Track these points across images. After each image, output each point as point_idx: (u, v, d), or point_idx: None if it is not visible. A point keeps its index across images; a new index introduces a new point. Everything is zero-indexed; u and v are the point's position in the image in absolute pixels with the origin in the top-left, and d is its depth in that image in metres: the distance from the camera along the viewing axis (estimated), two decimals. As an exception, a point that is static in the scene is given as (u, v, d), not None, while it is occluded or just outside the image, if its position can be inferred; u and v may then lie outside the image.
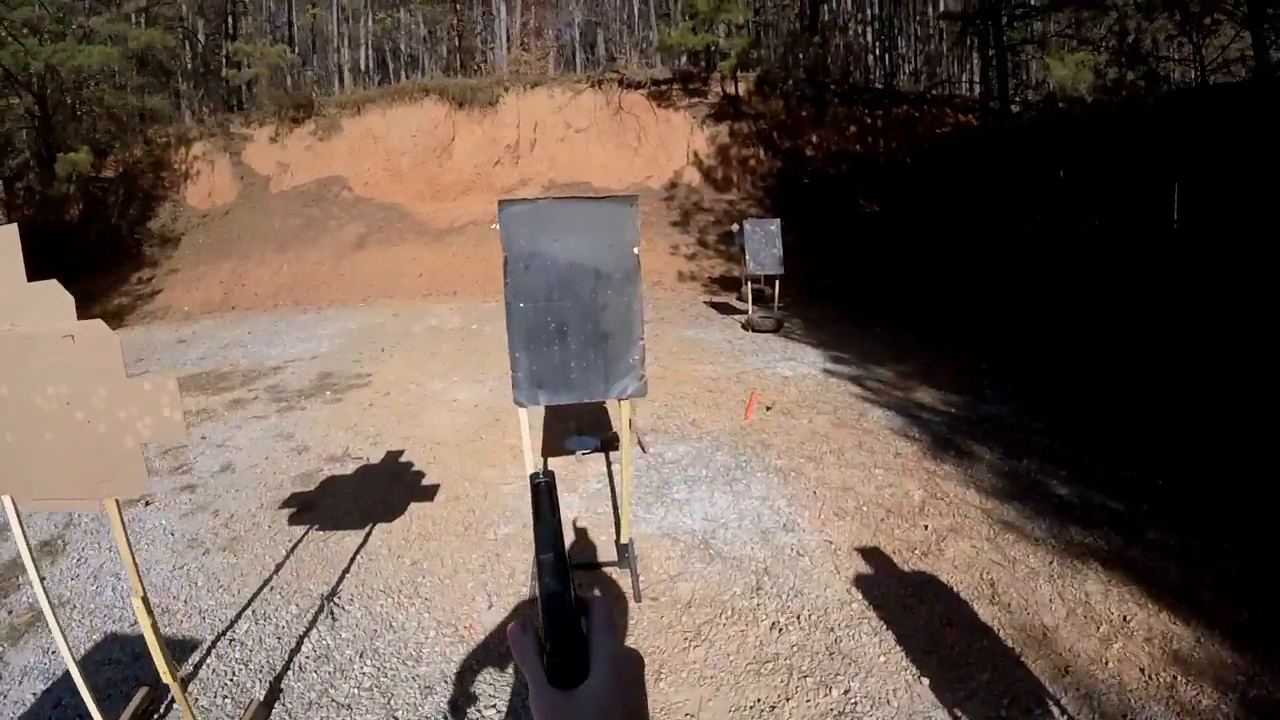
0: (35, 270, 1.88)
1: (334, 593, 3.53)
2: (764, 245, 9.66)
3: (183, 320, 13.90)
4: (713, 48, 20.23)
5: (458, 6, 24.39)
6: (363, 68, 23.91)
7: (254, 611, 3.45)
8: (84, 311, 1.88)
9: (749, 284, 10.39)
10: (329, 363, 8.71)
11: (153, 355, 10.06)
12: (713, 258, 15.44)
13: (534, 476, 0.63)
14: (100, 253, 15.75)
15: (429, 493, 4.56)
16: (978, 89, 20.68)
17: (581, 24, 26.56)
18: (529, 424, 3.27)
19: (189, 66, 20.95)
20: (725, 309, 11.61)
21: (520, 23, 25.15)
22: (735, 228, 10.82)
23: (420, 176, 18.75)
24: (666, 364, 7.85)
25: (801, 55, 20.40)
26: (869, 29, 24.11)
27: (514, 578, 3.58)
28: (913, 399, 6.36)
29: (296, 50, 22.43)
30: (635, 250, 3.07)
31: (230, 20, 21.90)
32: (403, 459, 5.21)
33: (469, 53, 25.23)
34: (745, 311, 10.27)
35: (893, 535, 3.86)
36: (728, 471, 4.76)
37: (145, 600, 2.17)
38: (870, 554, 3.66)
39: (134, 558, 2.17)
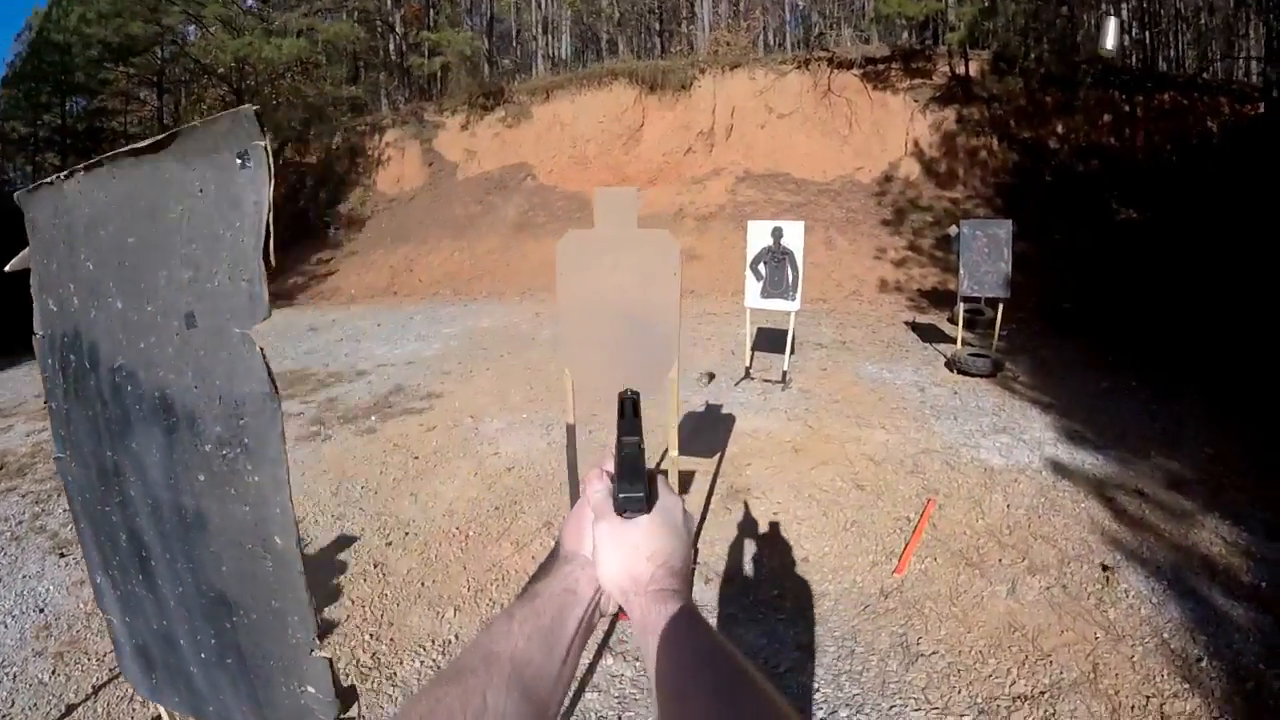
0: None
1: None
2: (986, 257, 7.01)
3: (342, 304, 13.91)
4: (939, 18, 16.93)
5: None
6: (562, 55, 23.40)
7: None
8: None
9: (963, 305, 7.70)
10: (415, 373, 7.53)
11: (275, 343, 9.68)
12: (925, 265, 12.51)
13: (623, 392, 0.70)
14: (288, 233, 16.40)
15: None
16: (1256, 71, 15.50)
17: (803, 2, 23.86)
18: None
19: (390, 57, 21.62)
20: (929, 334, 8.76)
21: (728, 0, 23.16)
22: (953, 230, 8.19)
23: (605, 165, 17.54)
24: (817, 423, 5.40)
25: (1046, 28, 16.39)
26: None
27: None
28: (1194, 545, 3.55)
29: (492, 39, 22.38)
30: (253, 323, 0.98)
31: (431, 11, 22.28)
32: (341, 555, 3.62)
33: (670, 35, 23.81)
34: (954, 341, 7.58)
35: None
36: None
37: None
38: None
39: None
